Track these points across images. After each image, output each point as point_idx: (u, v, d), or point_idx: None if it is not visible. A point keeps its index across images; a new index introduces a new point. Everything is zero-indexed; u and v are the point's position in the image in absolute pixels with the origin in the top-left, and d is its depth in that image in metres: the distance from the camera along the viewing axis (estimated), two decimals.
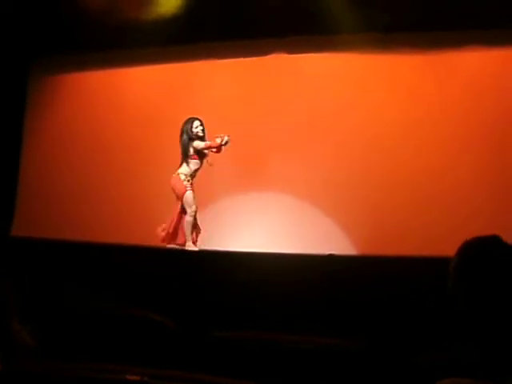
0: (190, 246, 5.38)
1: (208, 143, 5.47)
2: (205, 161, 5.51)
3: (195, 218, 5.45)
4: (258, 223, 6.23)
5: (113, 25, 6.23)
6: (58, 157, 7.10)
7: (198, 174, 5.54)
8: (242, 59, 6.67)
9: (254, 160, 6.45)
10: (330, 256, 4.75)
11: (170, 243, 5.45)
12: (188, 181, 5.45)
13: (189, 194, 5.41)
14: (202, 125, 5.53)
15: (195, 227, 5.49)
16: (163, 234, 5.46)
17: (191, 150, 5.46)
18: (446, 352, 1.70)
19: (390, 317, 3.43)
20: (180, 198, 5.43)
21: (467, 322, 1.41)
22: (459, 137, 5.92)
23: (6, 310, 1.93)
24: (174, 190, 5.47)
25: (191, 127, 5.51)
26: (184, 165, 5.47)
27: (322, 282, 3.78)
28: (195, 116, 5.59)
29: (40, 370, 1.82)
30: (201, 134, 5.50)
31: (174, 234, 5.45)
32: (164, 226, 5.48)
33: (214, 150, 5.49)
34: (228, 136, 5.39)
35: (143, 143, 6.63)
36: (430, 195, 5.85)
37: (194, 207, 5.41)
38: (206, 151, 5.50)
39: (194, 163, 5.47)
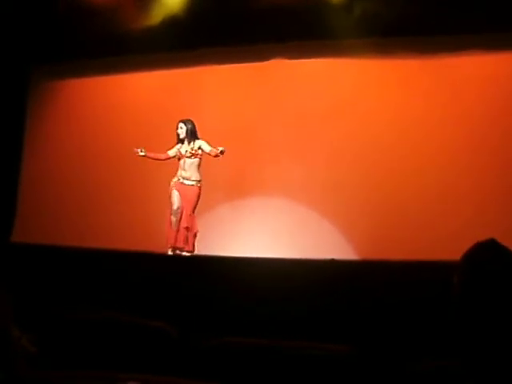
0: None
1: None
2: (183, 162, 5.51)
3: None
4: (258, 228, 6.22)
5: (113, 32, 6.26)
6: (58, 163, 7.09)
7: None
8: (242, 64, 6.69)
9: (254, 165, 6.44)
10: (332, 261, 4.74)
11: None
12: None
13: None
14: (181, 127, 5.51)
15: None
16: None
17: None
18: (445, 360, 1.68)
19: (393, 322, 3.42)
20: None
21: (467, 332, 1.40)
22: (457, 139, 5.93)
23: (6, 317, 1.91)
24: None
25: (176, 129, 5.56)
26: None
27: (323, 287, 3.77)
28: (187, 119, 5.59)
29: (40, 377, 1.80)
30: (181, 137, 5.51)
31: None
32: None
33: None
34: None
35: (144, 148, 6.61)
36: (429, 198, 5.84)
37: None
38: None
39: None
